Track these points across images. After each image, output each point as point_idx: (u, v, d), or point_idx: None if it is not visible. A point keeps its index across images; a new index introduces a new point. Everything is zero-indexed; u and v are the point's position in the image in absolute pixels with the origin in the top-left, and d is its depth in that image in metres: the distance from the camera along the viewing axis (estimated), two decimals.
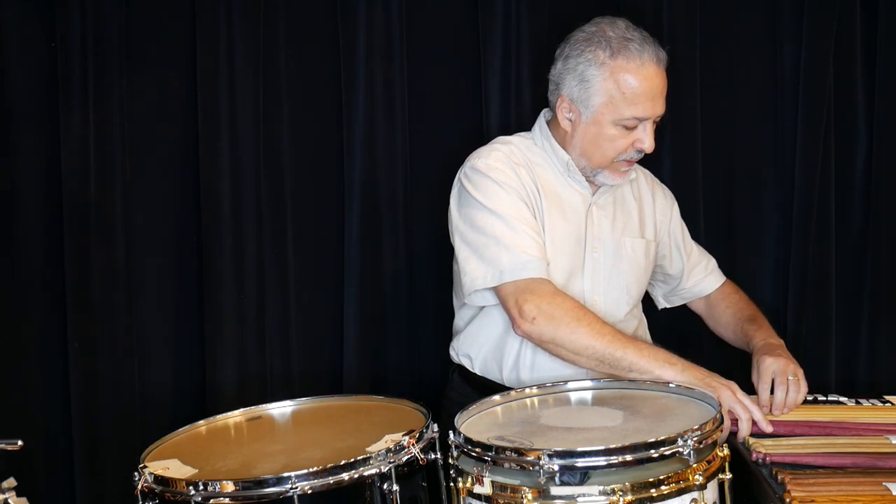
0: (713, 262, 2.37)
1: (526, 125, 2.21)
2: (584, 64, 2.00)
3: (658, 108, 2.01)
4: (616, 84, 1.97)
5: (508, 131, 2.28)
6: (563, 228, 2.08)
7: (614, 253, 2.13)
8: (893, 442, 1.80)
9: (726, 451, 1.60)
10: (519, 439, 1.60)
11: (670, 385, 1.85)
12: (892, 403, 2.02)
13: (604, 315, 2.08)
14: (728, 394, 1.83)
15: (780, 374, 1.96)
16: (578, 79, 2.01)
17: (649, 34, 2.00)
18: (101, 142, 2.31)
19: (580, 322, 1.92)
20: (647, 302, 2.35)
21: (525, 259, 1.96)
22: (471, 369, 2.15)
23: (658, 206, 2.25)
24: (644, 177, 2.27)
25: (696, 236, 2.40)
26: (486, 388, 2.07)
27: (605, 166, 2.06)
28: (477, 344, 2.14)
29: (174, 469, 1.64)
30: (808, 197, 2.49)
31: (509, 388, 2.01)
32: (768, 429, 1.83)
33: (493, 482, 1.56)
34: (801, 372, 1.99)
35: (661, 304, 2.42)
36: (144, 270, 2.39)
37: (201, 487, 1.54)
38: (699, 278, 2.34)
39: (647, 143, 2.01)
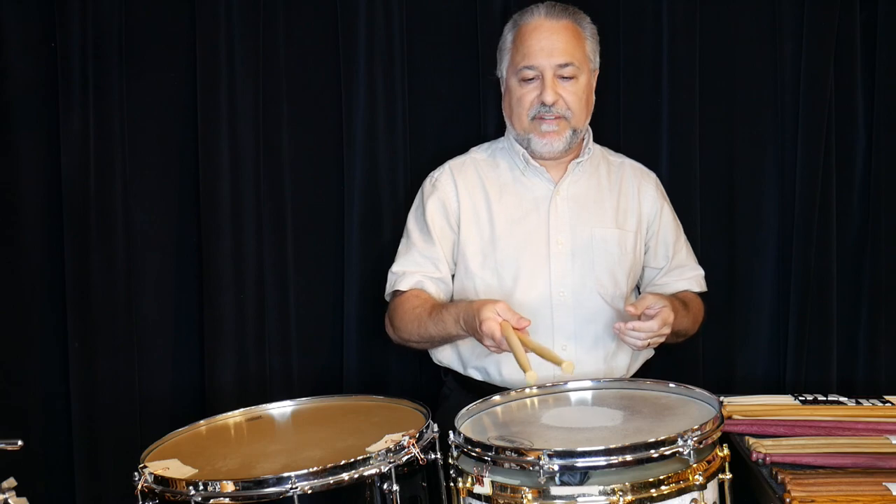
0: (700, 273, 2.29)
1: None
2: (500, 42, 2.18)
3: (548, 57, 2.06)
4: (513, 42, 2.13)
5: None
6: (519, 229, 2.13)
7: (583, 244, 2.13)
8: (893, 442, 1.80)
9: (726, 451, 1.60)
10: (519, 439, 1.60)
11: (670, 385, 1.85)
12: (892, 403, 2.02)
13: (572, 308, 2.10)
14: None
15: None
16: (498, 54, 2.19)
17: (577, 8, 2.14)
18: (101, 142, 2.31)
19: (403, 318, 2.12)
20: None
21: (394, 279, 2.19)
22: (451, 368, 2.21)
23: (645, 197, 2.23)
24: (632, 169, 2.26)
25: (694, 236, 2.39)
26: (477, 387, 2.11)
27: (529, 130, 2.12)
28: (441, 350, 2.21)
29: (174, 469, 1.64)
30: (809, 197, 2.49)
31: (504, 388, 2.02)
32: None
33: (493, 482, 1.56)
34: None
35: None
36: (144, 270, 2.39)
37: (201, 487, 1.54)
38: (675, 278, 2.26)
39: (546, 96, 2.06)
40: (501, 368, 2.10)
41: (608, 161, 2.25)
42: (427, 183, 2.24)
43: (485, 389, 2.05)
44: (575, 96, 2.09)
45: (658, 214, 2.24)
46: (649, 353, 2.23)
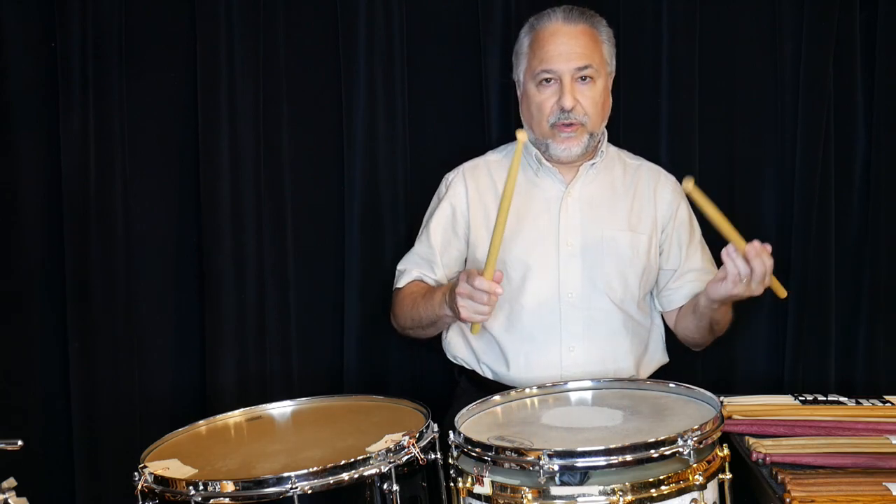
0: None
1: None
2: (517, 45, 2.17)
3: (566, 62, 2.06)
4: (530, 46, 2.12)
5: (509, 131, 2.29)
6: (529, 229, 2.13)
7: (593, 246, 2.12)
8: (893, 442, 1.80)
9: (726, 451, 1.60)
10: (519, 439, 1.60)
11: (670, 385, 1.85)
12: (893, 403, 2.02)
13: (580, 309, 2.10)
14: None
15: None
16: (515, 58, 2.18)
17: (596, 12, 2.14)
18: (101, 142, 2.31)
19: (401, 304, 2.18)
20: None
21: (398, 276, 2.25)
22: (467, 367, 2.20)
23: (661, 200, 2.21)
24: (649, 172, 2.24)
25: None
26: (490, 386, 2.10)
27: (548, 136, 2.11)
28: (455, 345, 2.22)
29: (174, 469, 1.64)
30: (809, 197, 2.49)
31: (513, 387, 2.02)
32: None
33: (493, 482, 1.56)
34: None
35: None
36: (144, 270, 2.39)
37: (201, 487, 1.55)
38: (688, 280, 2.20)
39: (565, 101, 2.05)
40: (510, 366, 2.10)
41: (624, 163, 2.24)
42: (442, 186, 2.27)
43: (497, 389, 2.03)
44: (592, 100, 2.08)
45: (673, 216, 2.21)
46: (664, 359, 2.23)
